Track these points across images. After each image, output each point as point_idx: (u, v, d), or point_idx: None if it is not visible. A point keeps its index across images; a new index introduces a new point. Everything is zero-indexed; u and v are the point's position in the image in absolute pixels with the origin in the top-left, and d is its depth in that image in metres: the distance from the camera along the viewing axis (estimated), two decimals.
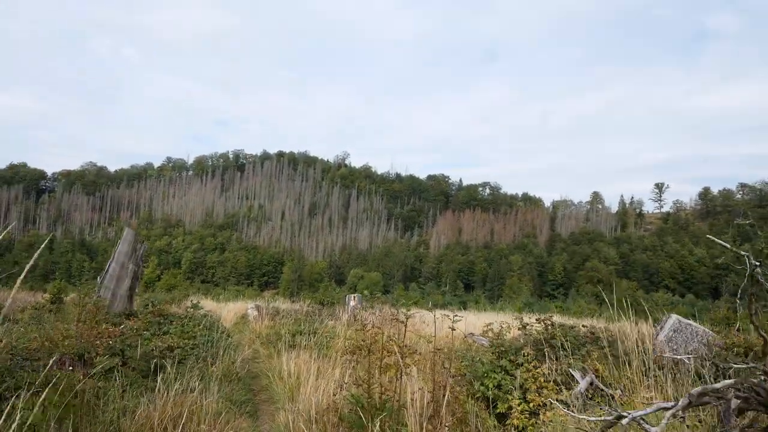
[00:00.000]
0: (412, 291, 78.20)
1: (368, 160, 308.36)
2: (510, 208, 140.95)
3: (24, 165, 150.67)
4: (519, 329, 7.55)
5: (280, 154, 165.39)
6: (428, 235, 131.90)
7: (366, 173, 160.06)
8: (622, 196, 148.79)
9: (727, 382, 2.33)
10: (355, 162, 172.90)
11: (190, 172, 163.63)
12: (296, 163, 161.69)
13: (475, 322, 13.39)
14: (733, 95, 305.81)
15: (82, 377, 4.36)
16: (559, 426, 4.42)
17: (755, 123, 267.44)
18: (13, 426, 2.90)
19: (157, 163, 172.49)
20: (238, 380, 6.91)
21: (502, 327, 7.04)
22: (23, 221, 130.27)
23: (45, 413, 3.74)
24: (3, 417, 2.77)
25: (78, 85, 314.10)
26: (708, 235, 3.33)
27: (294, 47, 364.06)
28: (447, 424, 4.06)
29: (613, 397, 5.20)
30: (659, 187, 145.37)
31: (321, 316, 14.30)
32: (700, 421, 3.50)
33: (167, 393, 4.71)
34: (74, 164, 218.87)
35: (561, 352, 6.24)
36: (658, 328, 7.29)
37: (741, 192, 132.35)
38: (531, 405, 5.17)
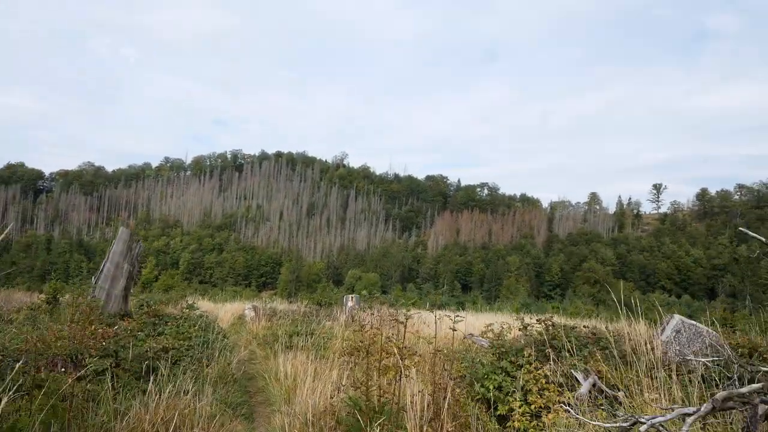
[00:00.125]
0: (410, 292, 78.06)
1: (367, 160, 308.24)
2: (508, 209, 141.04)
3: (22, 165, 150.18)
4: (519, 330, 7.44)
5: (279, 155, 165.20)
6: (426, 235, 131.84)
7: (364, 173, 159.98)
8: (619, 196, 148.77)
9: (755, 386, 2.21)
10: (354, 162, 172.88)
11: (188, 172, 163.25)
12: (294, 164, 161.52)
13: (473, 323, 13.28)
14: (732, 96, 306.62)
15: (71, 379, 4.23)
16: (563, 430, 4.31)
17: (754, 124, 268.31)
18: None
19: (155, 163, 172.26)
20: (233, 382, 6.78)
21: (502, 327, 6.93)
22: (21, 221, 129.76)
23: (32, 417, 3.62)
24: None
25: (76, 85, 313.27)
26: (740, 228, 3.22)
27: (293, 47, 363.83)
28: (448, 428, 3.95)
29: (616, 399, 5.10)
30: (657, 188, 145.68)
31: (318, 316, 14.19)
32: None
33: (160, 396, 4.58)
34: (72, 164, 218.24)
35: (562, 353, 6.13)
36: (661, 328, 7.19)
37: (739, 193, 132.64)
38: (532, 407, 5.06)
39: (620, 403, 4.97)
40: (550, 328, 6.93)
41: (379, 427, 3.80)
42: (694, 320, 9.34)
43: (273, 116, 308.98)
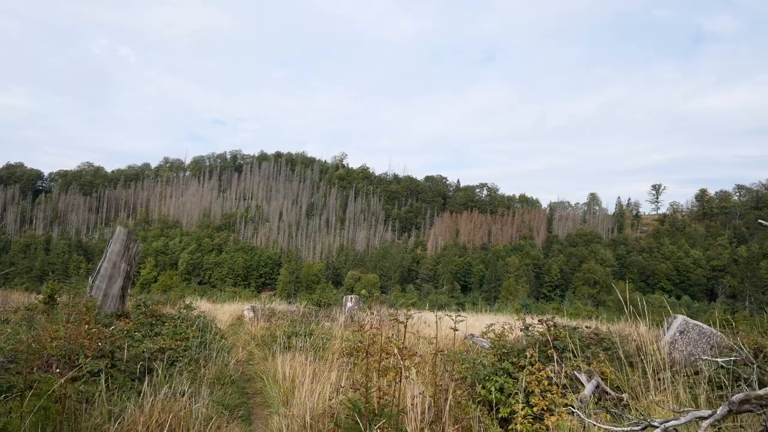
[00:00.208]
0: (409, 292, 77.98)
1: (366, 160, 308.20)
2: (507, 210, 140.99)
3: (21, 165, 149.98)
4: (521, 330, 7.35)
5: (278, 155, 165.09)
6: (425, 236, 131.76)
7: (364, 174, 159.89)
8: (618, 197, 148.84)
9: None
10: (353, 163, 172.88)
11: (188, 173, 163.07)
12: (294, 164, 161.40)
13: (473, 324, 13.20)
14: (732, 97, 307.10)
15: (64, 380, 4.13)
16: None
17: (754, 125, 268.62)
18: None
19: (154, 164, 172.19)
20: (231, 383, 6.68)
21: (504, 328, 6.83)
22: (20, 222, 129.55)
23: (23, 419, 3.52)
24: None
25: (75, 86, 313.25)
26: (760, 220, 3.13)
27: (292, 48, 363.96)
28: (450, 431, 3.86)
29: (621, 401, 5.01)
30: (656, 189, 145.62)
31: (317, 317, 14.10)
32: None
33: (155, 397, 4.48)
34: (71, 164, 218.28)
35: (565, 354, 6.04)
36: (664, 329, 7.10)
37: (738, 194, 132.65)
38: (535, 409, 4.97)
39: (624, 406, 4.89)
40: (552, 328, 6.84)
41: (379, 430, 3.70)
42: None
43: (272, 117, 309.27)
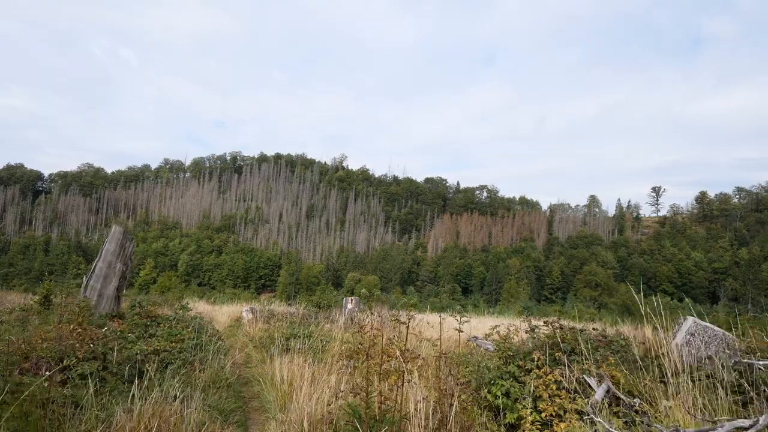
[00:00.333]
0: (410, 294, 77.71)
1: (366, 162, 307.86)
2: (507, 212, 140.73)
3: (21, 166, 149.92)
4: (526, 332, 7.13)
5: (278, 156, 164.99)
6: (426, 238, 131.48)
7: (363, 176, 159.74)
8: (619, 199, 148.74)
9: None
10: (353, 164, 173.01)
11: (188, 174, 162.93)
12: (294, 166, 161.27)
13: (475, 326, 13.01)
14: (731, 99, 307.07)
15: (48, 384, 3.91)
16: None
17: (753, 127, 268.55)
18: None
19: (154, 165, 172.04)
20: (227, 387, 6.46)
21: (509, 330, 6.62)
22: (19, 223, 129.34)
23: (1, 426, 3.31)
24: None
25: (75, 86, 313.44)
26: None
27: (293, 49, 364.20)
28: None
29: (632, 407, 4.79)
30: (656, 191, 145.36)
31: (317, 319, 13.88)
32: None
33: (144, 402, 4.26)
34: (71, 165, 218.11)
35: (573, 356, 5.82)
36: (674, 331, 6.88)
37: (738, 196, 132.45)
38: (543, 415, 4.75)
39: (636, 411, 4.67)
40: (558, 330, 6.62)
41: None
42: None
43: (272, 118, 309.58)
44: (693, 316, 7.37)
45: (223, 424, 4.97)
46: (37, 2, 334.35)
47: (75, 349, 6.28)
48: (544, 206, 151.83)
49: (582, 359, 5.69)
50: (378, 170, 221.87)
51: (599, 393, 4.83)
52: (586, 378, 5.22)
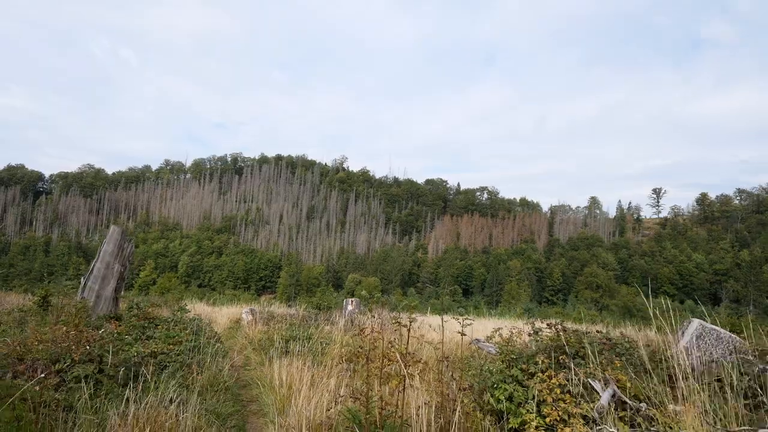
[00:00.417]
0: (411, 296, 77.54)
1: (366, 163, 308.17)
2: (508, 213, 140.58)
3: (22, 166, 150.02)
4: (528, 335, 7.02)
5: (278, 158, 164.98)
6: (426, 239, 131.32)
7: (364, 177, 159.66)
8: (619, 201, 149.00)
9: None
10: (353, 166, 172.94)
11: (188, 175, 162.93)
12: (294, 167, 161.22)
13: (477, 328, 12.90)
14: (731, 100, 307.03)
15: (40, 387, 3.82)
16: None
17: (753, 128, 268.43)
18: None
19: (155, 166, 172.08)
20: (225, 390, 6.35)
21: (511, 332, 6.51)
22: (20, 223, 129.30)
23: None
24: None
25: (76, 86, 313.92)
26: None
27: (293, 49, 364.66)
28: None
29: (638, 411, 4.68)
30: (657, 193, 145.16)
31: (317, 320, 13.77)
32: None
33: (139, 405, 4.16)
34: (72, 166, 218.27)
35: (577, 360, 5.71)
36: (679, 333, 6.78)
37: (739, 198, 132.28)
38: (547, 420, 4.64)
39: (651, 418, 4.56)
40: (562, 333, 6.51)
41: None
42: None
43: (272, 119, 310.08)
44: (696, 317, 7.27)
45: (220, 428, 4.86)
46: (37, 2, 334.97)
47: (71, 351, 6.18)
48: (545, 208, 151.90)
49: (586, 363, 5.58)
50: (378, 171, 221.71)
51: (605, 397, 4.72)
52: (590, 382, 5.11)
